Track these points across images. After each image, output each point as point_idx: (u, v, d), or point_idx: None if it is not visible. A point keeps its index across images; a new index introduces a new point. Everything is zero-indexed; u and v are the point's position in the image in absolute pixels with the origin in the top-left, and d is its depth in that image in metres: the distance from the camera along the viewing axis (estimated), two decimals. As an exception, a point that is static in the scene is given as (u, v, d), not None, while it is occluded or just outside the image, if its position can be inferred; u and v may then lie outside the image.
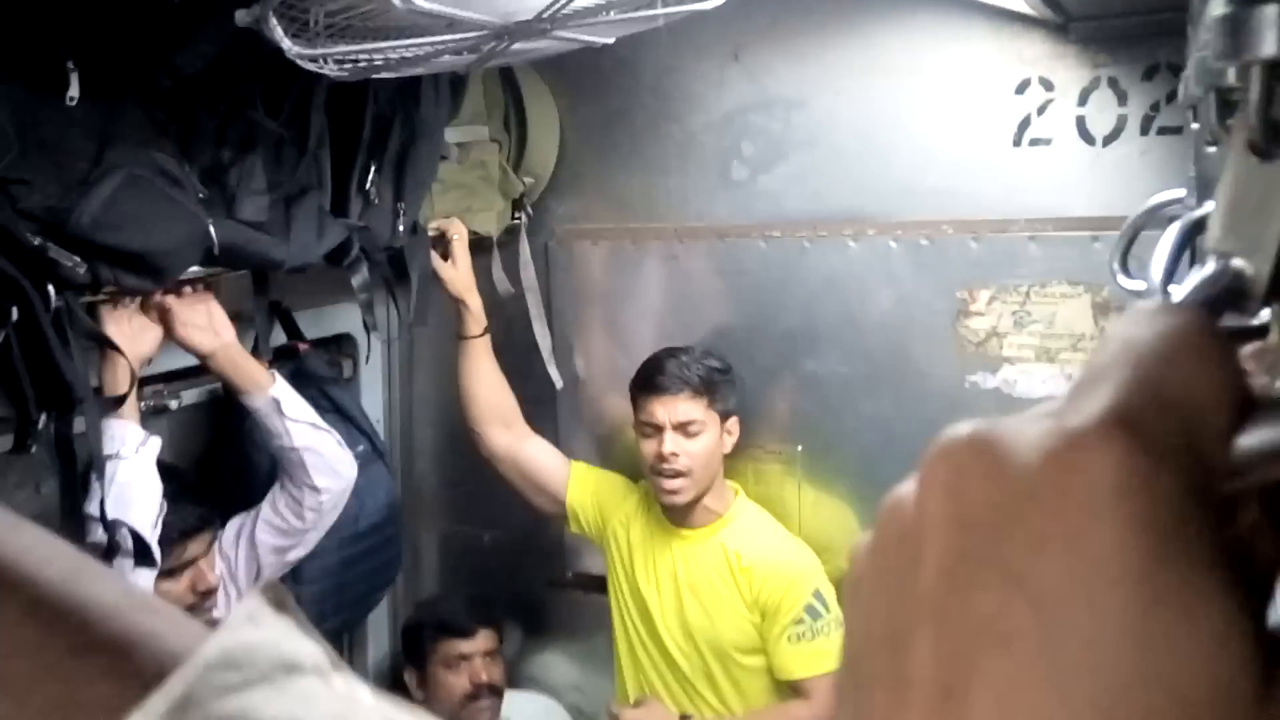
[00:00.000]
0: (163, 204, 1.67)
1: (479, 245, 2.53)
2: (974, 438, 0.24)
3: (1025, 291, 2.36)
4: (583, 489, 2.56)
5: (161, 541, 1.86)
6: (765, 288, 2.58)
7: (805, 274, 2.53)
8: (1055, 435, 0.23)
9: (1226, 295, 0.34)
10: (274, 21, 1.31)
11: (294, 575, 2.26)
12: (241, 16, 1.33)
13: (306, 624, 0.37)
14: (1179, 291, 0.39)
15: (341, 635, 2.75)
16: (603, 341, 2.77)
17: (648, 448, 2.36)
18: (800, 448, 2.57)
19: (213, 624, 0.39)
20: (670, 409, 2.33)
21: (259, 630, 0.35)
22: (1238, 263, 0.34)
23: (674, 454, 2.31)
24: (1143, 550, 0.22)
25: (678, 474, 2.32)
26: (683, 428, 2.32)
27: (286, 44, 1.34)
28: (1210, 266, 0.35)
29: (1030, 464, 0.23)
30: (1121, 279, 0.90)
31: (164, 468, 1.93)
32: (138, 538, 1.79)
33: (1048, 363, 2.35)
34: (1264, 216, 0.34)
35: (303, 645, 0.35)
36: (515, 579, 2.93)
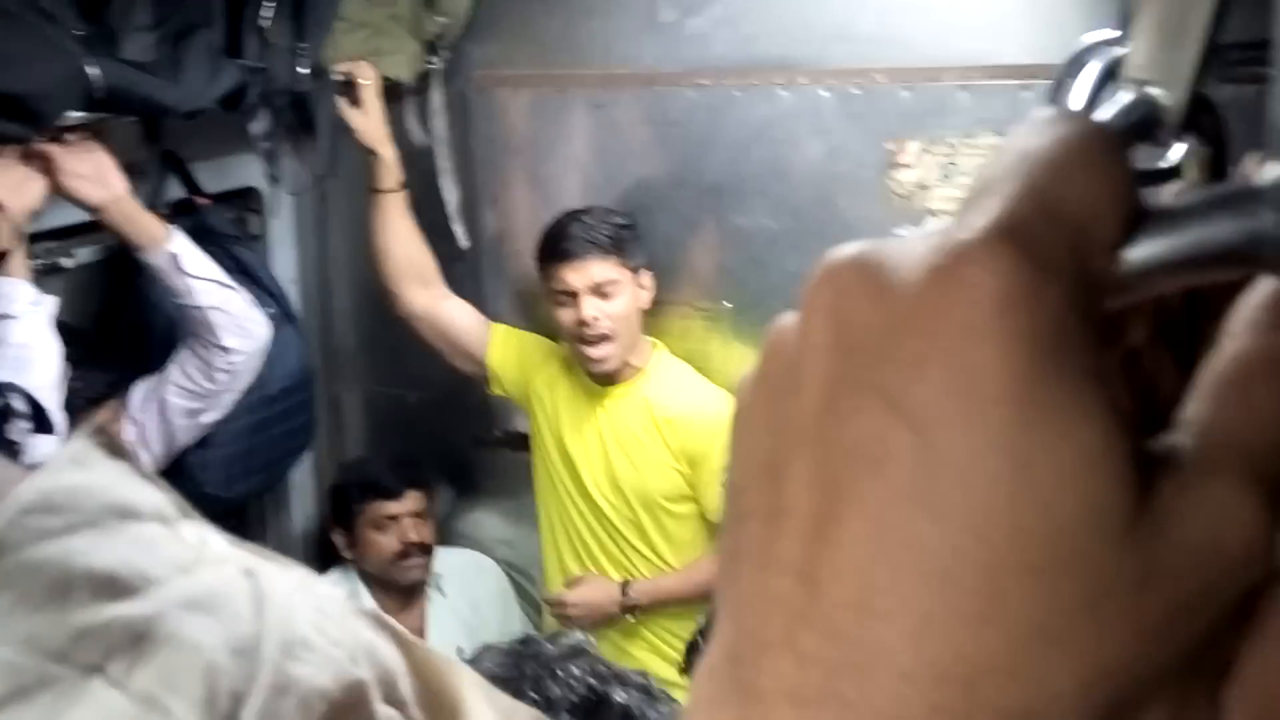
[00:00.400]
0: (35, 41, 1.54)
1: (391, 92, 2.40)
2: (857, 258, 0.24)
3: (953, 144, 2.32)
4: (505, 351, 2.51)
5: (67, 409, 1.79)
6: (693, 138, 2.50)
7: (734, 124, 2.46)
8: (940, 250, 0.22)
9: (1141, 125, 0.33)
10: None
11: (203, 440, 2.21)
12: None
13: (145, 469, 0.33)
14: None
15: (262, 498, 2.71)
16: (525, 195, 2.68)
17: (565, 316, 2.31)
18: (727, 304, 2.53)
19: None
20: (582, 273, 2.27)
21: (85, 473, 0.32)
22: (1153, 91, 0.33)
23: (595, 318, 2.26)
24: (1023, 367, 0.21)
25: (602, 338, 2.28)
26: (598, 290, 2.28)
27: None
28: (1125, 95, 0.34)
29: (913, 281, 0.22)
30: None
31: (64, 329, 1.85)
32: (34, 403, 1.71)
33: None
34: (1181, 38, 0.32)
35: (141, 490, 0.32)
36: (442, 438, 2.90)
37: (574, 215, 2.34)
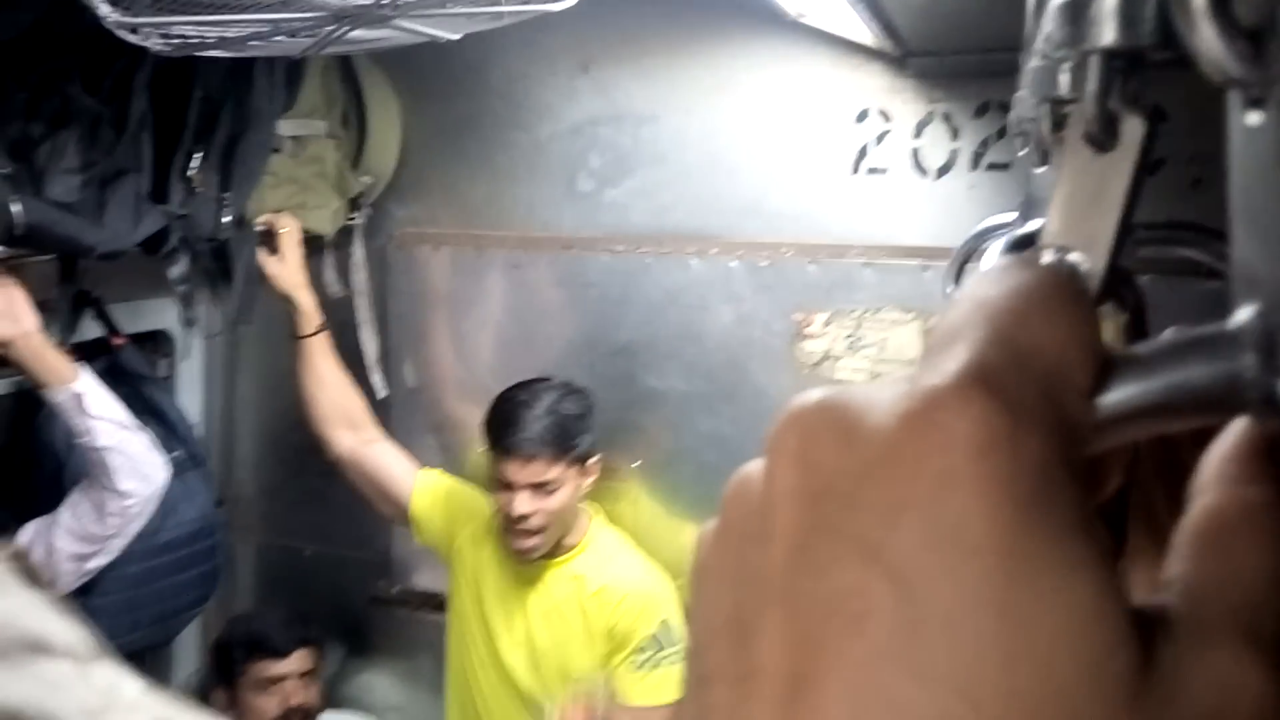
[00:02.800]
0: (-42, 178, 1.54)
1: (312, 245, 2.44)
2: (824, 403, 0.22)
3: (859, 316, 2.41)
4: (430, 499, 2.43)
5: None
6: (607, 301, 2.57)
7: (647, 289, 2.54)
8: (910, 396, 0.21)
9: None
10: (90, -15, 1.22)
11: (90, 586, 2.10)
12: (54, -22, 1.24)
13: (61, 601, 0.32)
14: None
15: (144, 654, 2.56)
16: (441, 349, 2.70)
17: (500, 501, 2.21)
18: (637, 464, 2.55)
19: None
20: (524, 471, 2.18)
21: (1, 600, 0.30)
22: (1074, 257, 0.33)
23: (525, 515, 2.18)
24: (1005, 516, 0.20)
25: (530, 533, 2.21)
26: (537, 487, 2.19)
27: (104, 9, 1.25)
28: (1046, 260, 0.33)
29: (884, 427, 0.21)
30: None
31: None
32: None
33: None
34: (1099, 209, 0.32)
35: (55, 624, 0.31)
36: (337, 594, 2.82)
37: (525, 397, 2.23)
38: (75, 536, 2.01)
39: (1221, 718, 0.20)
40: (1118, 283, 0.33)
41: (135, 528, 2.05)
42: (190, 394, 2.64)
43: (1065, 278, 0.23)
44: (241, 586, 2.93)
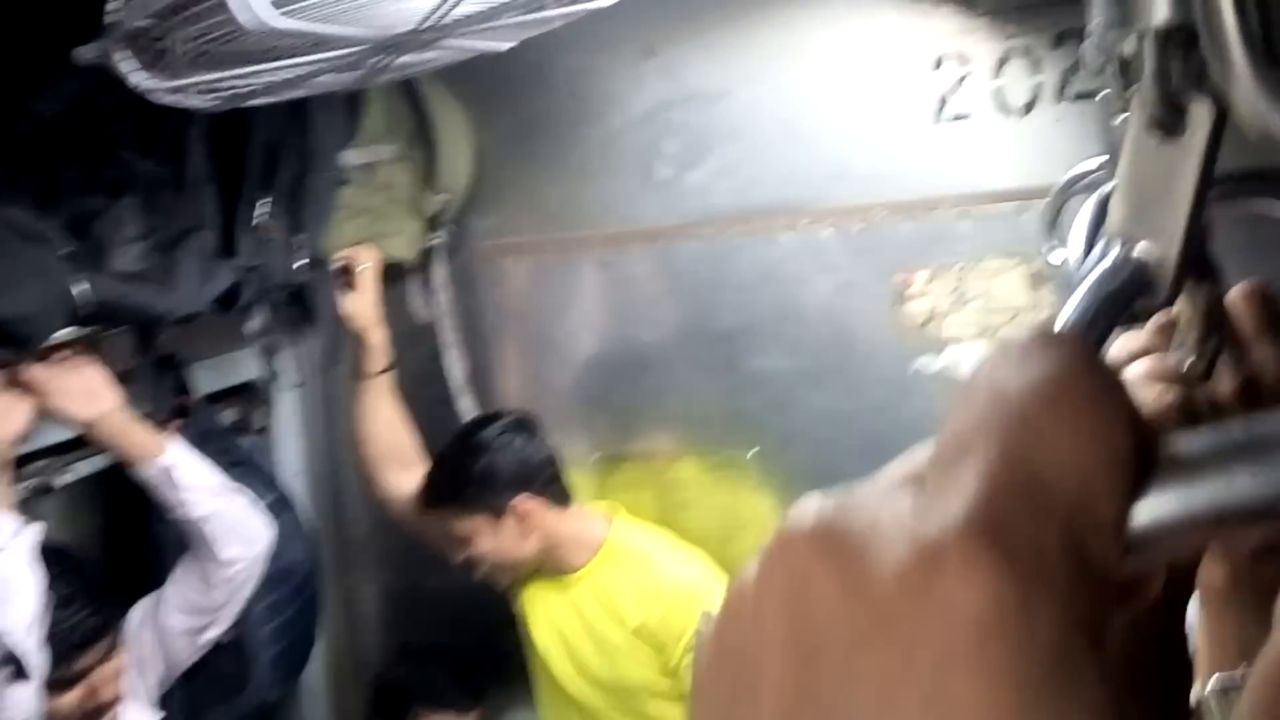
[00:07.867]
0: (19, 265, 1.49)
1: (395, 271, 2.37)
2: (817, 533, 0.21)
3: (961, 270, 2.32)
4: None
5: (54, 650, 1.64)
6: (701, 287, 2.49)
7: (741, 270, 2.46)
8: (910, 545, 0.20)
9: (1131, 286, 0.31)
10: (120, 56, 1.14)
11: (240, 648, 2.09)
12: (83, 54, 1.16)
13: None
14: (1081, 282, 0.35)
15: (272, 709, 2.46)
16: (538, 359, 2.63)
17: None
18: (752, 451, 2.47)
19: None
20: (438, 523, 2.24)
21: None
22: (1141, 251, 0.32)
23: (459, 562, 2.23)
24: (1011, 704, 0.18)
25: (483, 570, 2.23)
26: (455, 536, 2.22)
27: (139, 78, 1.18)
28: (1111, 257, 0.32)
29: (881, 581, 0.20)
30: (1052, 254, 0.88)
31: (55, 553, 1.72)
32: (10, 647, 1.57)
33: (990, 339, 2.31)
34: (1169, 199, 0.31)
35: None
36: (461, 628, 2.72)
37: (459, 444, 2.24)
38: (185, 612, 1.97)
39: None
40: (1194, 263, 0.32)
41: (246, 593, 1.99)
42: (290, 443, 2.60)
43: (1090, 365, 0.21)
44: (365, 628, 2.88)
